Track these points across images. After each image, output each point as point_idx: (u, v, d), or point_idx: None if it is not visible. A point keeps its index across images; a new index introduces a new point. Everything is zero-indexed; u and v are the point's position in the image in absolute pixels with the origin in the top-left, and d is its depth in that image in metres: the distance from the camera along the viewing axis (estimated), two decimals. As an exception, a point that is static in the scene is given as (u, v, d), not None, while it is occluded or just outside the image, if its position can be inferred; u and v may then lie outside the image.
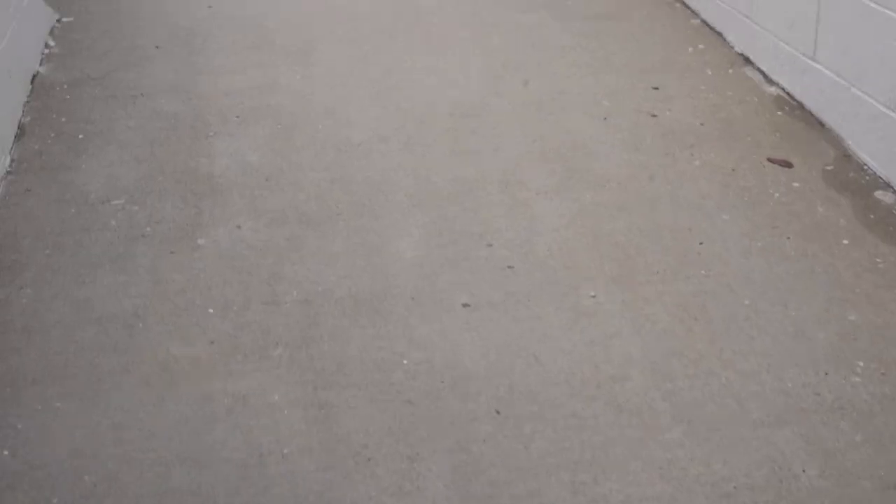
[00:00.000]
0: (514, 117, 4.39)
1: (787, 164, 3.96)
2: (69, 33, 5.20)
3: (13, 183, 3.88)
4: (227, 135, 4.25)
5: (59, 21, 5.30)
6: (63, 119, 4.35)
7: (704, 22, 5.26)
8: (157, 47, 5.06)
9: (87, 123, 4.32)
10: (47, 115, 4.38)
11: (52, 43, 5.06)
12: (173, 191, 3.84)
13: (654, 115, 4.36)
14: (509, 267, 3.40)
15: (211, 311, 3.21)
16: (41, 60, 4.87)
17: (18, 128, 4.24)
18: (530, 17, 5.44)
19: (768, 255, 3.45)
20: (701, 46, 5.02)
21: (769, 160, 4.00)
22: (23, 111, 4.37)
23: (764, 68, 4.67)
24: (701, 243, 3.51)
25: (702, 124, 4.29)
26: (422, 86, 4.67)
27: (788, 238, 3.53)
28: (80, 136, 4.21)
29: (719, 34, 5.11)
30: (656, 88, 4.60)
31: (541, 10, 5.53)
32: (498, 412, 2.81)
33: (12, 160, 4.01)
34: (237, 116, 4.39)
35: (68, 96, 4.55)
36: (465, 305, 3.23)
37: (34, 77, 4.69)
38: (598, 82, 4.68)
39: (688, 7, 5.46)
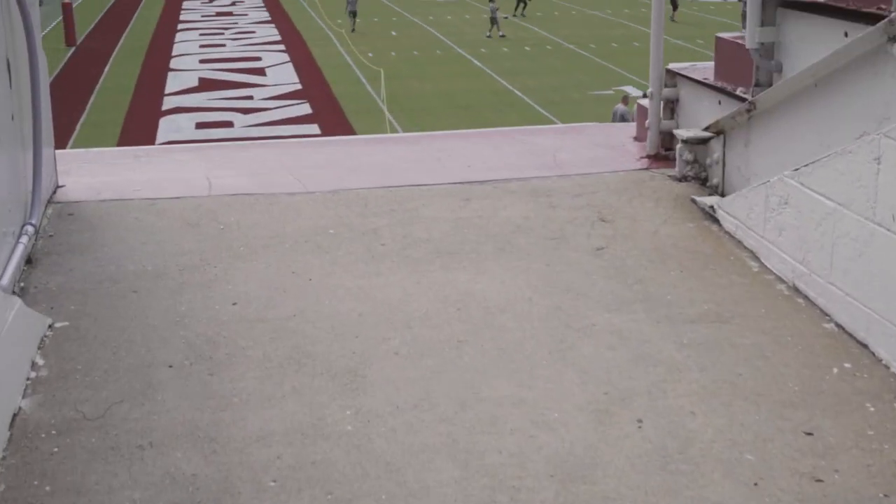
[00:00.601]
0: (634, 480, 3.37)
1: None
2: (63, 346, 4.21)
3: None
4: (263, 514, 3.22)
5: (51, 327, 4.33)
6: (47, 487, 3.33)
7: (841, 328, 4.29)
8: (170, 366, 4.07)
9: (79, 496, 3.29)
10: (26, 482, 3.35)
11: (40, 361, 4.07)
12: None
13: (818, 480, 3.34)
14: None
15: None
16: (25, 389, 3.87)
17: (-13, 505, 3.23)
18: (625, 318, 4.45)
19: None
20: (847, 365, 4.04)
21: None
22: (-5, 477, 3.36)
23: (944, 405, 3.69)
24: None
25: (886, 496, 3.26)
26: (508, 428, 3.66)
27: None
28: (68, 519, 3.19)
29: (864, 346, 4.14)
30: (810, 434, 3.60)
31: (635, 307, 4.56)
32: None
33: (-27, 568, 2.98)
34: (274, 481, 3.37)
35: (56, 448, 3.53)
36: None
37: (14, 417, 3.68)
38: (733, 422, 3.67)
39: (814, 305, 4.49)
